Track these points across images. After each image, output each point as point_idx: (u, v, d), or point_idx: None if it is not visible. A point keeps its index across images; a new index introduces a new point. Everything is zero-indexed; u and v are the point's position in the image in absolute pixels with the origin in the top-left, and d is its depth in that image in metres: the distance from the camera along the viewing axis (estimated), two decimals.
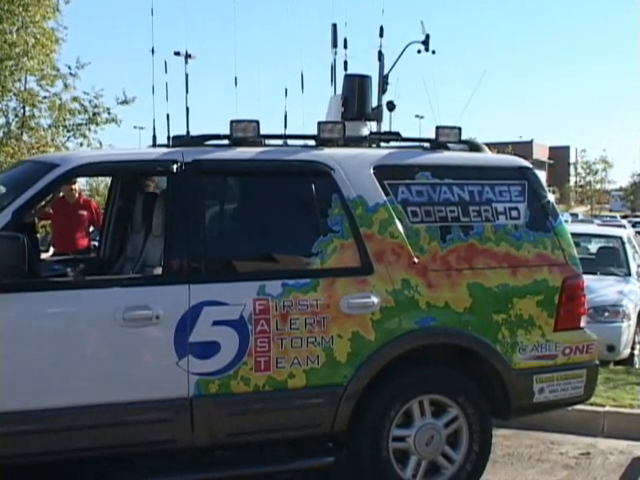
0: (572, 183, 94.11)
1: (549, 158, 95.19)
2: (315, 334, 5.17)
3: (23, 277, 4.74)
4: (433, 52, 16.70)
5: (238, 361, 5.04)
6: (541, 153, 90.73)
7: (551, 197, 6.09)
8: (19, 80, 15.70)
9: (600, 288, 10.27)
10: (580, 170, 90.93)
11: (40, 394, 4.75)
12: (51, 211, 10.33)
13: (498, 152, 7.08)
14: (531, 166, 6.08)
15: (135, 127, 41.86)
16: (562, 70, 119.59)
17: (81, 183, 10.27)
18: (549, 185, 67.60)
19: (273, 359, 5.10)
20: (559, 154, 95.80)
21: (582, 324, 5.89)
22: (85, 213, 10.00)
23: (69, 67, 15.72)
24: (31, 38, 15.29)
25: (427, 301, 5.41)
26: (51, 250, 10.72)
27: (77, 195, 10.09)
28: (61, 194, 10.16)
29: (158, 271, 5.29)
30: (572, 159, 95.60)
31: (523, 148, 70.57)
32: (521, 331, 5.61)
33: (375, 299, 5.29)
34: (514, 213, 5.76)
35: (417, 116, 34.14)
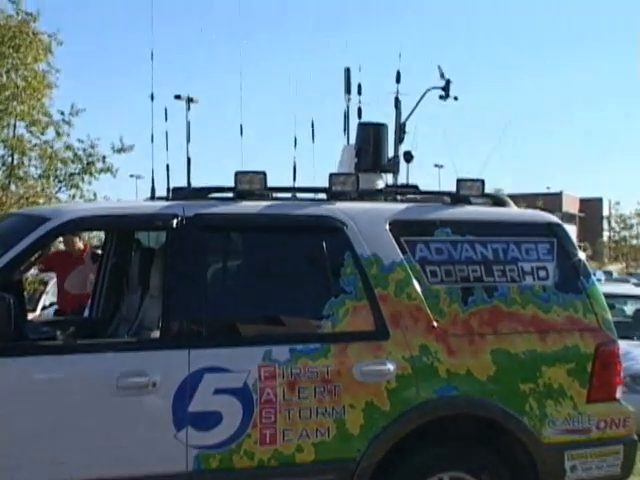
0: (605, 238, 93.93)
1: (580, 211, 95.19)
2: (326, 404, 5.16)
3: (8, 340, 4.76)
4: (455, 98, 16.76)
5: (242, 433, 5.03)
6: (571, 205, 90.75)
7: (582, 255, 6.10)
8: (7, 126, 15.80)
9: (638, 355, 10.21)
10: (614, 224, 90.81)
11: (26, 469, 4.73)
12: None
13: (527, 206, 7.11)
14: (560, 222, 6.10)
15: (132, 176, 42.12)
16: (591, 116, 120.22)
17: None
18: (580, 240, 67.48)
19: (280, 431, 5.09)
20: (591, 207, 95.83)
21: (618, 395, 5.86)
22: None
23: (62, 113, 15.81)
24: (21, 81, 15.43)
25: (447, 369, 5.40)
26: (42, 302, 10.71)
27: (81, 247, 10.02)
28: (63, 247, 10.18)
29: (155, 334, 5.31)
30: (605, 212, 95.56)
31: (552, 200, 70.65)
32: (551, 402, 5.59)
33: (391, 366, 5.29)
34: (542, 273, 5.78)
35: (436, 165, 34.28)
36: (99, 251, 8.28)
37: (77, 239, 9.86)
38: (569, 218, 76.07)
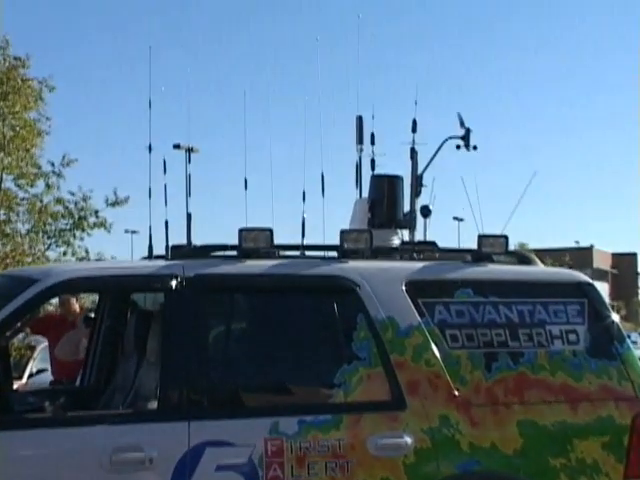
0: None
1: (612, 267, 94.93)
2: None
3: None
4: (475, 148, 16.92)
5: None
6: (602, 261, 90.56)
7: (615, 317, 6.09)
8: None
9: None
10: None
11: None
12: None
13: (555, 263, 7.13)
14: (591, 281, 6.10)
15: (127, 231, 42.31)
16: (622, 166, 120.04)
17: None
18: (613, 299, 67.19)
19: None
20: (624, 262, 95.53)
21: None
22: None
23: (52, 164, 15.93)
24: (9, 131, 15.55)
25: (470, 441, 5.37)
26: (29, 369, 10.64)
27: (78, 309, 9.98)
28: (54, 309, 10.15)
29: (153, 405, 5.32)
30: None
31: (581, 255, 70.57)
32: (584, 479, 5.54)
33: (408, 439, 5.27)
34: (572, 337, 5.77)
35: (455, 218, 34.28)
36: (92, 314, 8.28)
37: (74, 301, 9.81)
38: (600, 275, 75.90)
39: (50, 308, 13.03)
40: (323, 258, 5.87)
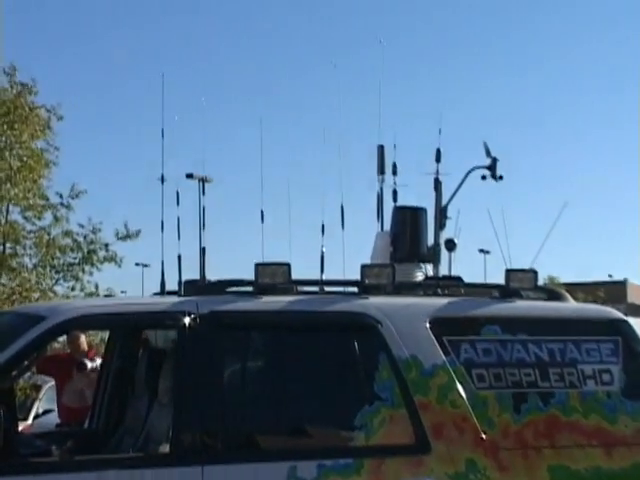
0: None
1: None
2: None
3: None
4: (500, 178, 16.95)
5: None
6: (637, 295, 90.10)
7: None
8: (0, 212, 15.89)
9: None
10: None
11: None
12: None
13: (587, 298, 7.11)
14: (625, 318, 6.08)
15: (137, 264, 42.38)
16: None
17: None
18: None
19: None
20: None
21: None
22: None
23: (61, 196, 15.96)
24: (16, 161, 15.58)
25: None
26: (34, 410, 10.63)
27: (86, 349, 9.98)
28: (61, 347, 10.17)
29: (165, 448, 5.30)
30: None
31: (615, 289, 69.99)
32: None
33: None
34: (606, 377, 5.74)
35: (481, 251, 34.23)
36: (86, 360, 8.36)
37: (83, 338, 9.82)
38: (635, 310, 75.17)
39: (57, 346, 13.04)
40: (343, 294, 5.86)
